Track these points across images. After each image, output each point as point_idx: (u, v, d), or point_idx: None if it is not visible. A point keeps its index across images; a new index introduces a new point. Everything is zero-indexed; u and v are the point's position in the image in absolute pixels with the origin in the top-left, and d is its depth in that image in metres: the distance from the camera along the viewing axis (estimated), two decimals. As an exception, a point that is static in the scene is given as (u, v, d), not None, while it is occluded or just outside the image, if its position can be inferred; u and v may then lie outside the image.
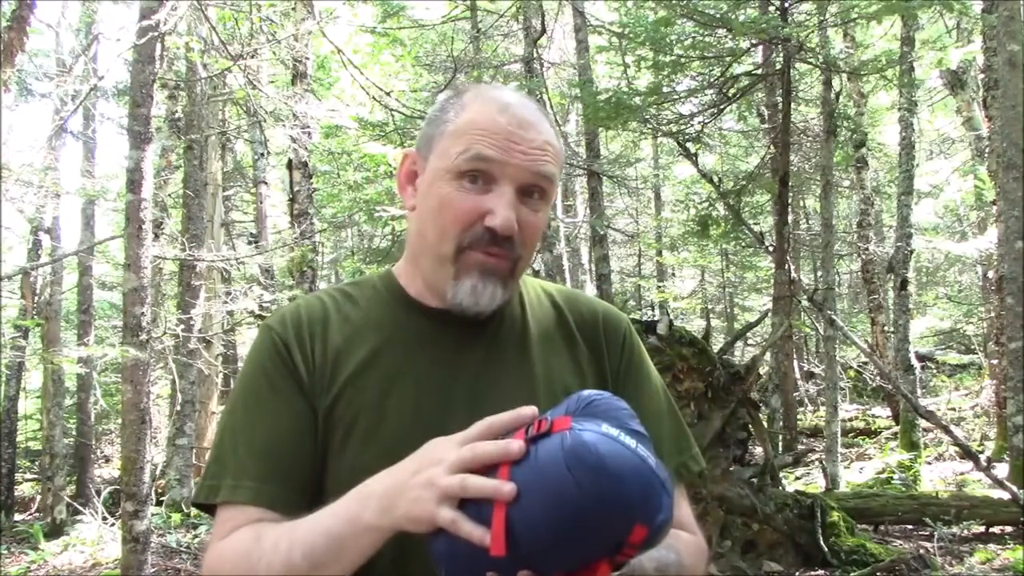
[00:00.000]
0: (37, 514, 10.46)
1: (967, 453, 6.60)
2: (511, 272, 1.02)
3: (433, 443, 0.86)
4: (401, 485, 0.84)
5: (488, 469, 0.79)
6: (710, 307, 17.00)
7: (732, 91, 7.42)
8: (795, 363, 11.90)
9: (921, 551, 5.27)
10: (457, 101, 1.05)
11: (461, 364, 1.04)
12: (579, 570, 0.76)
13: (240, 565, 0.91)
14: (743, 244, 11.61)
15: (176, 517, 8.19)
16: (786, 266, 7.38)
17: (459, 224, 0.99)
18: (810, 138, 9.83)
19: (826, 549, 4.96)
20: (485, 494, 0.77)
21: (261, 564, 0.89)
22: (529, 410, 0.82)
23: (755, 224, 10.67)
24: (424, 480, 0.81)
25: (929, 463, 8.75)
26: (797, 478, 8.74)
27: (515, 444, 0.78)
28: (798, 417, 11.17)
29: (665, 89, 7.54)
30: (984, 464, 6.24)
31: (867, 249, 10.73)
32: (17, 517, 10.43)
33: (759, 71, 7.63)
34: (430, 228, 1.02)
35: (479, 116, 1.01)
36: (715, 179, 8.48)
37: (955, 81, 9.72)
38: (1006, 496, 5.92)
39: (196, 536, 7.60)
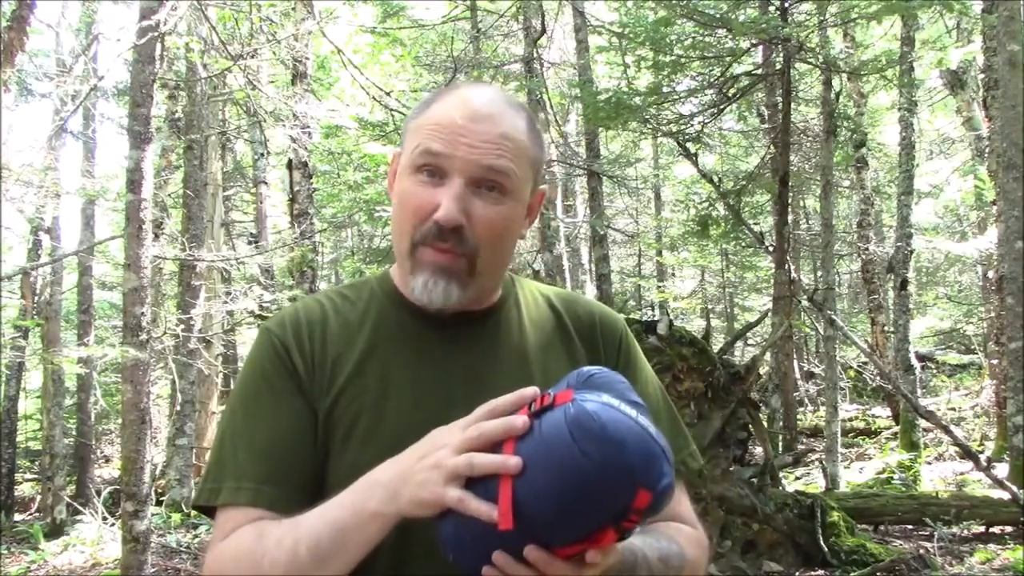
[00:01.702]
0: (37, 514, 10.45)
1: (967, 453, 6.60)
2: (468, 270, 1.00)
3: (437, 430, 0.87)
4: (407, 471, 0.85)
5: (493, 448, 0.80)
6: (710, 307, 17.00)
7: (732, 91, 7.41)
8: (795, 363, 11.89)
9: (921, 551, 5.27)
10: (428, 100, 1.07)
11: (458, 364, 1.04)
12: (586, 539, 0.77)
13: (243, 563, 0.91)
14: (743, 244, 11.61)
15: (176, 517, 8.19)
16: (786, 266, 7.37)
17: (413, 218, 1.00)
18: (810, 138, 9.82)
19: (826, 549, 4.96)
20: (492, 469, 0.78)
21: (265, 561, 0.89)
22: (530, 390, 0.83)
23: (755, 224, 10.66)
24: (431, 463, 0.82)
25: (929, 463, 8.74)
26: (797, 478, 8.74)
27: (519, 419, 0.80)
28: (798, 417, 11.16)
29: (665, 89, 7.54)
30: (984, 464, 6.24)
31: (867, 249, 10.72)
32: (17, 517, 10.42)
33: (759, 71, 7.63)
34: (394, 223, 1.05)
35: (434, 112, 1.02)
36: (715, 179, 8.48)
37: (955, 81, 9.72)
38: (1006, 496, 5.92)
39: (196, 536, 7.60)
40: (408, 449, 0.88)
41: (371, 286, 1.12)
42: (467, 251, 0.99)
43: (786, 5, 6.82)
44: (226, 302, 8.20)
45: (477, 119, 1.00)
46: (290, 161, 7.16)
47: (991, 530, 5.80)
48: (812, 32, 7.26)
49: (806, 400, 12.85)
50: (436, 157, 0.99)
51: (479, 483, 0.79)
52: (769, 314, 8.46)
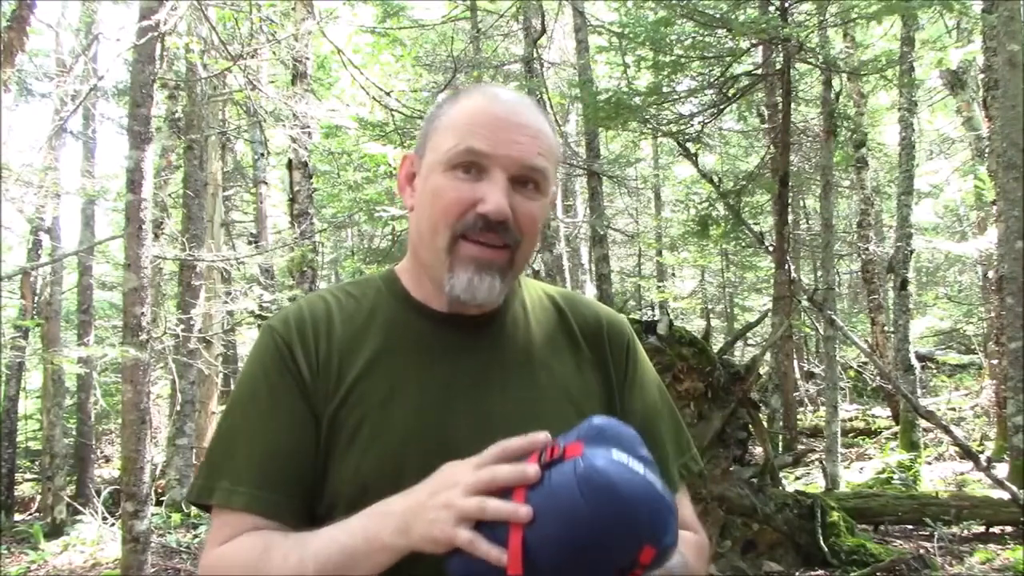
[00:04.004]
0: (37, 514, 10.46)
1: (967, 453, 6.59)
2: (509, 263, 1.01)
3: (449, 465, 0.88)
4: (419, 506, 0.85)
5: (503, 492, 0.82)
6: (710, 307, 16.99)
7: (732, 91, 7.41)
8: (795, 363, 11.89)
9: (921, 551, 5.27)
10: (452, 99, 1.06)
11: (464, 367, 1.04)
12: None
13: (246, 573, 0.91)
14: (743, 244, 11.60)
15: (176, 517, 8.19)
16: (786, 266, 7.37)
17: (452, 213, 0.99)
18: (810, 138, 9.82)
19: (826, 549, 4.96)
20: (503, 516, 0.80)
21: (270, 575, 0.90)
22: (542, 436, 0.84)
23: (755, 224, 10.65)
24: (442, 502, 0.83)
25: (929, 463, 8.74)
26: (797, 478, 8.74)
27: (531, 468, 0.82)
28: (798, 417, 11.16)
29: (665, 89, 7.53)
30: (984, 464, 6.24)
31: (867, 249, 10.72)
32: (17, 517, 10.43)
33: (759, 71, 7.62)
34: (425, 221, 1.02)
35: (471, 108, 1.02)
36: (715, 179, 8.47)
37: (955, 81, 9.72)
38: (1006, 496, 5.92)
39: (196, 536, 7.60)
40: (422, 483, 0.88)
41: (377, 285, 1.11)
42: (510, 243, 1.00)
43: (786, 5, 6.82)
44: (226, 302, 8.21)
45: (516, 115, 1.01)
46: (290, 161, 7.16)
47: (991, 530, 5.79)
48: (812, 32, 7.25)
49: (806, 400, 12.84)
50: (478, 155, 0.99)
51: (487, 525, 0.81)
52: (769, 314, 8.45)
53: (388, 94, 8.01)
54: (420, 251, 1.06)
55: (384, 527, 0.86)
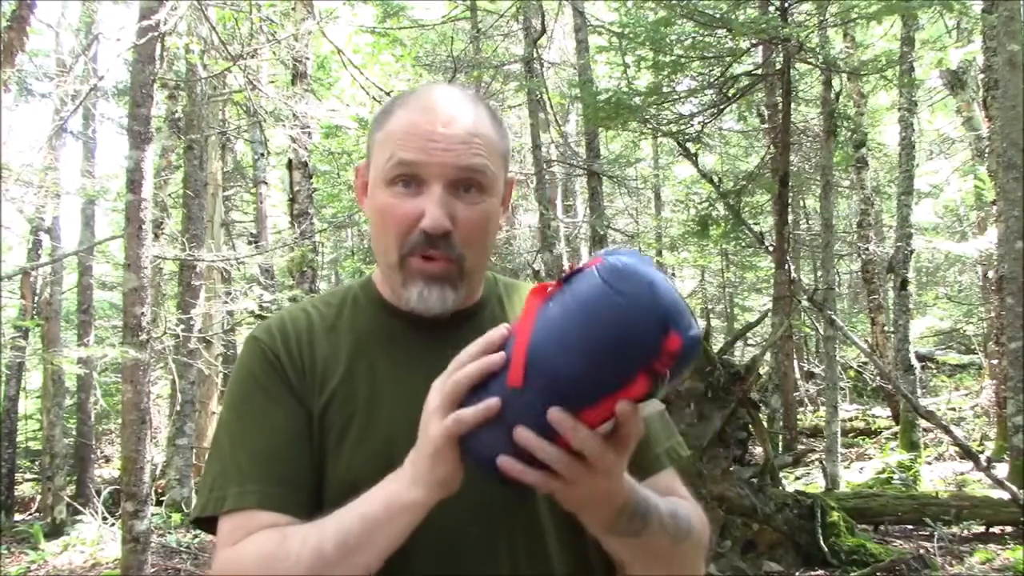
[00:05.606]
0: (37, 514, 10.46)
1: (967, 453, 6.60)
2: (459, 273, 1.01)
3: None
4: (416, 449, 0.85)
5: (506, 340, 0.82)
6: (710, 307, 16.99)
7: (732, 91, 7.41)
8: (795, 363, 11.89)
9: (921, 551, 5.27)
10: (388, 110, 1.06)
11: (446, 363, 1.04)
12: (617, 390, 0.77)
13: (265, 563, 0.89)
14: (743, 244, 11.59)
15: (176, 517, 8.19)
16: (786, 266, 7.37)
17: (397, 231, 1.00)
18: (810, 138, 9.82)
19: (826, 549, 4.96)
20: (477, 375, 0.80)
21: (288, 561, 0.88)
22: (498, 331, 0.84)
23: (755, 224, 10.64)
24: (426, 420, 0.84)
25: (929, 463, 8.75)
26: (797, 478, 8.74)
27: (496, 356, 0.81)
28: (798, 417, 11.16)
29: (665, 89, 7.53)
30: (984, 464, 6.24)
31: (867, 249, 10.72)
32: (17, 517, 10.43)
33: (759, 71, 7.62)
34: (377, 238, 1.04)
35: (400, 121, 1.01)
36: (715, 179, 8.47)
37: (955, 81, 9.72)
38: (1006, 496, 5.92)
39: (196, 536, 7.60)
40: None
41: (354, 292, 1.12)
42: (456, 256, 1.00)
43: (786, 5, 6.82)
44: (226, 302, 8.21)
45: (445, 121, 0.99)
46: (290, 161, 7.17)
47: (991, 530, 5.80)
48: (812, 32, 7.25)
49: (806, 400, 12.84)
50: (411, 166, 0.98)
51: (494, 380, 0.80)
52: (769, 314, 8.45)
53: (388, 94, 8.00)
54: (380, 262, 1.08)
55: (399, 485, 0.86)
